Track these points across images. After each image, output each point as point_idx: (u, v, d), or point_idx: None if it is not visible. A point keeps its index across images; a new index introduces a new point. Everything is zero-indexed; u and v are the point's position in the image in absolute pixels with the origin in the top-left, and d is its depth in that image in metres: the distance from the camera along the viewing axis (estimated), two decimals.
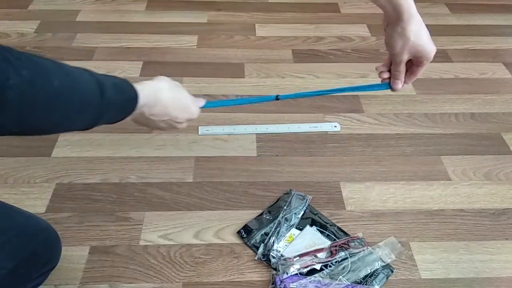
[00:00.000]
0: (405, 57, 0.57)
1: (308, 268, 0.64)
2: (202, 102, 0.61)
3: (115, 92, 0.44)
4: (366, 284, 0.63)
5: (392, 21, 0.55)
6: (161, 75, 0.52)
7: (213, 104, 0.64)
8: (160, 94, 0.52)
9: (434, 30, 1.22)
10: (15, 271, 0.50)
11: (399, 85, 0.61)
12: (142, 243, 0.68)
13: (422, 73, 0.60)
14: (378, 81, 0.64)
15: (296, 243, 0.68)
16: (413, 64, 0.59)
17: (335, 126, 0.90)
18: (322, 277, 0.63)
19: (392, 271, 0.66)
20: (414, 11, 0.53)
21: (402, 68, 0.59)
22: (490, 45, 1.18)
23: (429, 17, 1.28)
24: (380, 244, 0.69)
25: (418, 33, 0.54)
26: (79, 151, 0.82)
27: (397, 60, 0.57)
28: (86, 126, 0.43)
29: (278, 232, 0.69)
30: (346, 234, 0.70)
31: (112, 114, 0.46)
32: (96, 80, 0.42)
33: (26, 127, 0.37)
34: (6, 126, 0.35)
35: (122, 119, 0.48)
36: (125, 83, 0.47)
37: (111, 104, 0.44)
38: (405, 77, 0.60)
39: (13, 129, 0.36)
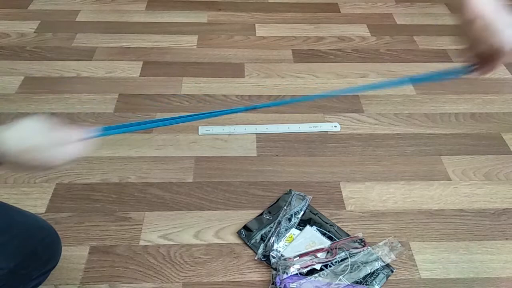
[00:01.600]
0: (469, 53, 0.52)
1: (308, 268, 0.64)
2: (79, 135, 0.46)
3: None
4: (366, 284, 0.63)
5: (460, 19, 0.51)
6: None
7: (112, 131, 0.50)
8: (27, 141, 0.42)
9: (434, 30, 1.23)
10: (15, 270, 0.50)
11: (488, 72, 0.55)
12: (142, 243, 0.68)
13: (494, 68, 0.54)
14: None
15: (296, 243, 0.68)
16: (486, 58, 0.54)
17: (335, 126, 0.90)
18: (322, 277, 0.63)
19: (392, 271, 0.65)
20: (475, 16, 0.49)
21: (474, 62, 0.53)
22: None
23: (429, 17, 1.28)
24: (380, 244, 0.69)
25: (477, 35, 0.50)
26: None
27: (464, 55, 0.53)
28: None
29: (278, 232, 0.69)
30: (346, 234, 0.70)
31: None
32: None
33: None
34: None
35: None
36: None
37: None
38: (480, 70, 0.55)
39: None
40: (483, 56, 0.54)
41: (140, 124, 0.54)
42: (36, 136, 0.44)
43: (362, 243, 0.68)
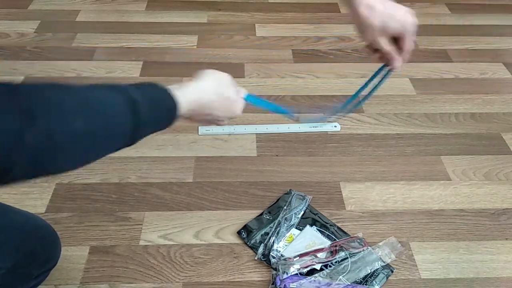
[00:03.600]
0: (384, 41, 0.55)
1: (308, 268, 0.64)
2: (242, 93, 0.57)
3: (151, 110, 0.41)
4: (366, 284, 0.63)
5: (353, 16, 0.55)
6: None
7: (252, 100, 0.60)
8: (203, 99, 0.49)
9: (434, 30, 1.24)
10: (14, 270, 0.50)
11: (397, 62, 0.58)
12: (142, 243, 0.68)
13: (411, 45, 0.56)
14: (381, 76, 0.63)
15: (296, 243, 0.68)
16: (398, 39, 0.56)
17: (335, 126, 0.90)
18: (322, 277, 0.63)
19: (392, 271, 0.65)
20: (372, 3, 0.52)
21: (391, 48, 0.56)
22: (490, 45, 1.18)
23: (429, 17, 1.28)
24: (380, 244, 0.69)
25: (371, 13, 0.53)
26: None
27: (379, 48, 0.56)
28: (119, 149, 0.41)
29: (278, 232, 0.69)
30: (346, 234, 0.70)
31: (148, 131, 0.42)
32: (127, 101, 0.38)
33: (51, 173, 0.35)
34: (28, 177, 0.33)
35: (161, 130, 0.45)
36: (163, 94, 0.43)
37: (146, 123, 0.41)
38: (399, 55, 0.58)
39: (37, 175, 0.34)
40: (395, 38, 0.56)
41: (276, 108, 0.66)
42: (226, 86, 0.52)
43: (362, 243, 0.68)
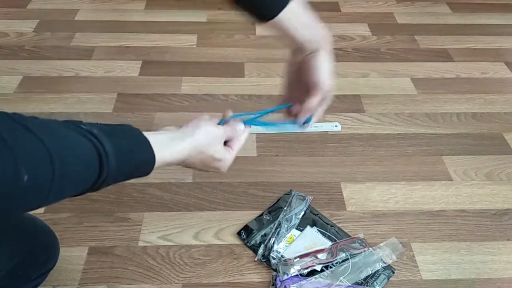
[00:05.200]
0: (295, 91, 0.56)
1: (309, 269, 0.64)
2: (241, 127, 0.53)
3: (120, 163, 0.37)
4: (367, 285, 0.63)
5: (292, 57, 0.55)
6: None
7: (254, 123, 0.58)
8: (185, 160, 0.45)
9: (435, 29, 1.23)
10: (13, 272, 0.50)
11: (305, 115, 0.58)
12: (141, 244, 0.68)
13: (312, 104, 0.56)
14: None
15: (297, 244, 0.68)
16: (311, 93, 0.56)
17: (336, 126, 0.90)
18: (322, 278, 0.63)
19: (393, 272, 0.65)
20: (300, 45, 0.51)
21: (295, 100, 0.56)
22: (491, 45, 1.17)
23: (430, 16, 1.27)
24: (381, 244, 0.68)
25: (308, 66, 0.53)
26: None
27: (290, 93, 0.57)
28: (77, 195, 0.37)
29: (278, 233, 0.68)
30: (347, 235, 0.70)
31: (115, 181, 0.39)
32: (95, 150, 0.35)
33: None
34: None
35: (132, 178, 0.42)
36: (140, 147, 0.40)
37: (112, 176, 0.37)
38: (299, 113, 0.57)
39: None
40: (302, 92, 0.55)
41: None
42: (213, 146, 0.48)
43: (363, 244, 0.67)
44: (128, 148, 0.38)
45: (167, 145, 0.43)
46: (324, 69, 0.53)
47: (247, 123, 0.55)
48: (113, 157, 0.36)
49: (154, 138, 0.41)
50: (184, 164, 0.47)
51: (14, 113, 0.31)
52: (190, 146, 0.45)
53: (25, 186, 0.29)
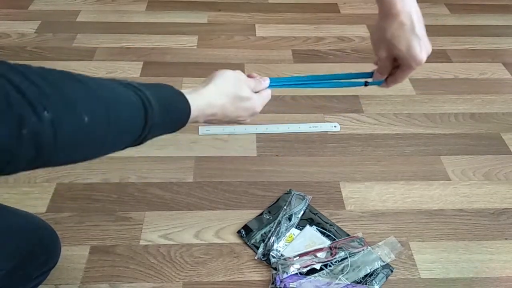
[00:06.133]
0: (382, 54, 0.53)
1: (308, 268, 0.64)
2: (266, 83, 0.54)
3: (162, 111, 0.39)
4: (365, 284, 0.63)
5: (379, 14, 0.53)
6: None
7: (280, 82, 0.57)
8: (214, 103, 0.47)
9: (434, 30, 1.24)
10: (14, 271, 0.50)
11: (379, 77, 0.57)
12: (142, 242, 0.68)
13: (403, 78, 0.55)
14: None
15: (296, 242, 0.68)
16: (397, 66, 0.55)
17: (335, 126, 0.91)
18: (322, 277, 0.64)
19: (392, 271, 0.66)
20: (400, 10, 0.49)
21: (383, 64, 0.55)
22: (489, 45, 1.18)
23: (429, 17, 1.28)
24: (379, 243, 0.69)
25: (397, 33, 0.50)
26: None
27: (376, 54, 0.54)
28: (125, 148, 0.39)
29: (278, 232, 0.69)
30: (346, 234, 0.70)
31: (157, 133, 0.41)
32: (140, 99, 0.37)
33: (53, 165, 0.33)
34: (29, 167, 0.30)
35: (170, 132, 0.44)
36: (176, 97, 0.43)
37: (157, 124, 0.39)
38: (387, 77, 0.57)
39: (39, 167, 0.31)
40: (395, 61, 0.53)
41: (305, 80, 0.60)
42: (239, 86, 0.50)
43: (362, 243, 0.68)
44: (166, 97, 0.41)
45: (196, 93, 0.46)
46: (416, 43, 0.50)
47: (275, 81, 0.56)
48: (156, 104, 0.38)
49: (184, 91, 0.44)
50: (216, 111, 0.48)
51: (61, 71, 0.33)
52: (216, 89, 0.48)
53: (87, 126, 0.31)
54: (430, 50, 0.52)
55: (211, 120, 0.49)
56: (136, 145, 0.39)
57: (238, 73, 0.51)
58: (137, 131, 0.37)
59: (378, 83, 0.59)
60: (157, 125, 0.39)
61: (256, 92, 0.53)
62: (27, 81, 0.29)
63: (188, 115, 0.44)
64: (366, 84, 0.61)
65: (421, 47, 0.50)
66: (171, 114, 0.42)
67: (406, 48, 0.50)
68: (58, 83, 0.31)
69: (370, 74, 0.60)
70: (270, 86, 0.56)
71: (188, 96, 0.44)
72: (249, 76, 0.54)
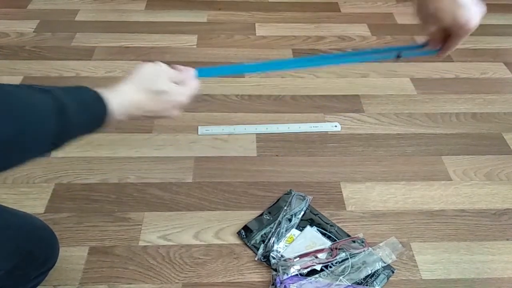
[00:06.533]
0: (431, 28, 0.52)
1: (309, 269, 0.64)
2: (189, 73, 0.54)
3: (77, 113, 0.39)
4: (366, 285, 0.63)
5: None
6: None
7: (206, 72, 0.58)
8: (132, 99, 0.47)
9: None
10: (12, 272, 0.50)
11: (433, 48, 0.56)
12: (141, 243, 0.68)
13: (457, 45, 0.54)
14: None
15: (296, 243, 0.68)
16: (449, 34, 0.53)
17: (336, 126, 0.90)
18: (322, 278, 0.63)
19: (393, 272, 0.65)
20: None
21: (435, 37, 0.54)
22: (491, 45, 1.17)
23: None
24: (380, 244, 0.68)
25: (440, 5, 0.49)
26: (79, 151, 0.82)
27: (425, 30, 0.53)
28: (43, 154, 0.39)
29: (278, 233, 0.68)
30: (346, 234, 0.70)
31: (76, 134, 0.41)
32: (52, 103, 0.37)
33: None
34: None
35: (94, 132, 0.43)
36: (92, 97, 0.43)
37: (73, 126, 0.39)
38: (443, 46, 0.56)
39: None
40: (446, 31, 0.53)
41: (234, 68, 0.59)
42: (156, 81, 0.49)
43: (363, 244, 0.67)
44: (81, 99, 0.41)
45: (114, 92, 0.46)
46: (461, 11, 0.49)
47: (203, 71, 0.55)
48: (71, 106, 0.38)
49: (104, 90, 0.45)
50: (134, 108, 0.47)
51: None
52: (132, 86, 0.47)
53: None
54: (479, 14, 0.50)
55: (136, 117, 0.49)
56: (54, 149, 0.39)
57: (157, 65, 0.51)
58: (51, 135, 0.37)
59: (433, 53, 0.58)
60: (74, 127, 0.40)
61: (180, 83, 0.52)
62: None
63: (107, 115, 0.44)
64: (398, 56, 0.60)
65: (468, 14, 0.49)
66: (88, 115, 0.42)
67: (452, 19, 0.50)
68: None
69: (423, 46, 0.59)
70: (203, 75, 0.55)
71: (105, 96, 0.44)
72: (173, 68, 0.53)
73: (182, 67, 0.54)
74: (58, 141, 0.39)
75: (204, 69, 0.56)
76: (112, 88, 0.46)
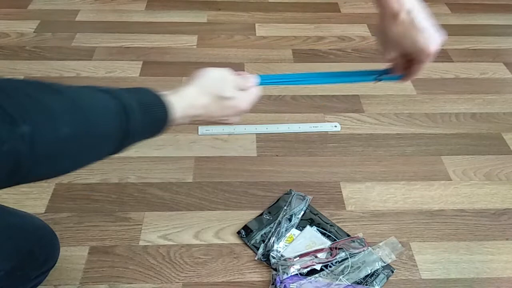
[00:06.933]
0: (392, 54, 0.52)
1: (308, 269, 0.64)
2: (253, 80, 0.52)
3: (142, 117, 0.38)
4: (366, 285, 0.63)
5: (379, 16, 0.52)
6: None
7: (268, 80, 0.56)
8: (196, 103, 0.46)
9: None
10: (13, 272, 0.50)
11: (396, 74, 0.56)
12: (141, 243, 0.68)
13: (420, 71, 0.53)
14: (379, 82, 0.62)
15: (296, 243, 0.68)
16: (411, 60, 0.53)
17: (336, 126, 0.90)
18: (322, 278, 0.63)
19: (393, 271, 0.65)
20: (398, 9, 0.48)
21: (396, 62, 0.54)
22: (490, 45, 1.17)
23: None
24: (380, 244, 0.68)
25: (399, 32, 0.49)
26: None
27: (385, 55, 0.53)
28: (110, 155, 0.38)
29: (278, 232, 0.69)
30: (346, 234, 0.70)
31: (137, 139, 0.40)
32: (119, 105, 0.36)
33: (34, 179, 0.32)
34: (9, 182, 0.29)
35: (155, 135, 0.42)
36: (155, 100, 0.41)
37: (136, 131, 0.38)
38: (406, 72, 0.56)
39: (20, 182, 0.30)
40: (407, 56, 0.52)
41: (296, 76, 0.59)
42: (222, 87, 0.49)
43: (363, 243, 0.68)
44: (145, 102, 0.40)
45: (177, 95, 0.45)
46: (420, 37, 0.49)
47: (265, 78, 0.55)
48: (136, 109, 0.37)
49: (166, 93, 0.43)
50: (199, 112, 0.47)
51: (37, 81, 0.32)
52: (197, 90, 0.47)
53: (67, 137, 0.31)
54: (439, 40, 0.50)
55: (196, 121, 0.48)
56: (118, 152, 0.38)
57: (223, 71, 0.50)
58: (118, 138, 0.37)
59: (396, 79, 0.58)
60: (139, 131, 0.39)
61: (243, 90, 0.51)
62: (3, 94, 0.28)
63: (170, 118, 0.43)
64: (376, 80, 0.60)
65: (427, 39, 0.49)
66: (152, 118, 0.41)
67: (412, 44, 0.50)
68: (36, 95, 0.30)
69: (386, 71, 0.59)
70: (264, 83, 0.55)
71: (169, 98, 0.43)
72: (236, 74, 0.53)
73: (245, 73, 0.53)
74: (119, 147, 0.38)
75: (266, 76, 0.55)
76: (176, 91, 0.45)
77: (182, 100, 0.45)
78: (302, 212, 0.72)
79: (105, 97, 0.36)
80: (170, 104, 0.42)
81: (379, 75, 0.59)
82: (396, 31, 0.50)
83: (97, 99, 0.36)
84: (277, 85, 0.58)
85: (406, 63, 0.54)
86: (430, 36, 0.49)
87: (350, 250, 0.66)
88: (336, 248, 0.67)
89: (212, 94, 0.48)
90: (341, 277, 0.64)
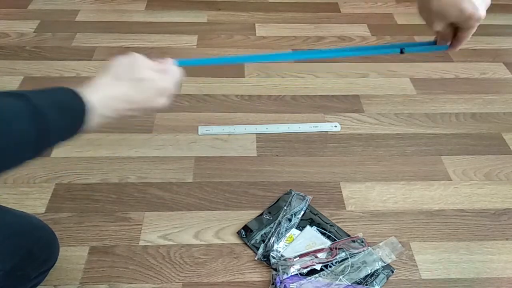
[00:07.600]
0: (438, 26, 0.52)
1: (308, 269, 0.64)
2: (168, 61, 0.52)
3: (58, 113, 0.37)
4: (366, 285, 0.63)
5: None
6: None
7: (187, 62, 0.57)
8: (114, 92, 0.44)
9: None
10: (12, 272, 0.50)
11: (444, 43, 0.56)
12: (141, 243, 0.68)
13: (468, 37, 0.54)
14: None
15: (296, 243, 0.68)
16: (458, 27, 0.53)
17: (336, 126, 0.90)
18: (322, 278, 0.63)
19: (393, 272, 0.65)
20: None
21: (444, 33, 0.54)
22: (490, 45, 1.17)
23: None
24: (380, 244, 0.68)
25: (443, 2, 0.49)
26: (79, 151, 0.82)
27: (432, 29, 0.53)
28: (24, 162, 0.37)
29: (278, 232, 0.69)
30: (346, 234, 0.70)
31: (56, 139, 0.39)
32: (28, 107, 0.35)
33: None
34: None
35: (79, 132, 0.41)
36: (70, 95, 0.40)
37: (52, 131, 0.38)
38: (453, 41, 0.56)
39: None
40: (453, 25, 0.53)
41: (217, 60, 0.59)
42: (137, 69, 0.47)
43: (363, 243, 0.68)
44: (58, 100, 0.39)
45: (91, 88, 0.43)
46: (467, 4, 0.49)
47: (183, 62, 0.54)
48: (48, 109, 0.36)
49: (80, 88, 0.42)
50: (120, 101, 0.45)
51: None
52: (111, 79, 0.45)
53: None
54: (484, 2, 0.50)
55: (123, 111, 0.46)
56: (38, 155, 0.37)
57: (134, 55, 0.49)
58: (32, 141, 0.36)
59: (445, 48, 0.59)
60: (56, 129, 0.38)
61: (161, 71, 0.50)
62: None
63: (87, 111, 0.41)
64: (401, 51, 0.60)
65: (473, 4, 0.49)
66: (68, 114, 0.40)
67: (460, 13, 0.50)
68: None
69: (434, 42, 0.59)
70: (184, 64, 0.54)
71: (84, 93, 0.41)
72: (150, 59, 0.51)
73: (160, 58, 0.52)
74: (35, 151, 0.37)
75: (184, 60, 0.55)
76: (90, 84, 0.43)
77: (98, 92, 0.43)
78: (302, 212, 0.72)
79: (12, 102, 0.35)
80: (86, 98, 0.41)
81: (428, 47, 0.59)
82: (441, 2, 0.49)
83: (5, 103, 0.34)
84: (196, 65, 0.57)
85: (453, 31, 0.54)
86: (475, 1, 0.49)
87: (350, 250, 0.66)
88: (336, 248, 0.67)
89: (127, 79, 0.46)
90: (341, 277, 0.64)
